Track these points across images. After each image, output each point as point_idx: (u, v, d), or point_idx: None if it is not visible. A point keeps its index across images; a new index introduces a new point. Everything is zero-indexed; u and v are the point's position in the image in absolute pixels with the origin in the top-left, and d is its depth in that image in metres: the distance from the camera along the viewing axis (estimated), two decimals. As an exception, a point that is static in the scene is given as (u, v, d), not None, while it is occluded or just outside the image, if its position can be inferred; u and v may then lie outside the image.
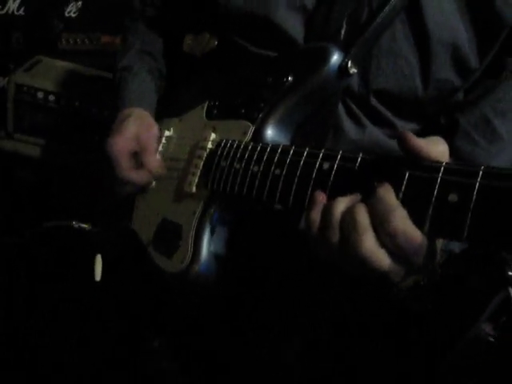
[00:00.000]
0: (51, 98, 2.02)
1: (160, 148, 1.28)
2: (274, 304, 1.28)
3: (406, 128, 1.17)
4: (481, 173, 0.64)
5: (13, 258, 2.16)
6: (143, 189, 1.28)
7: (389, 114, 1.14)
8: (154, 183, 1.27)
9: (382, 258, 0.73)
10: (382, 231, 0.72)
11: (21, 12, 2.21)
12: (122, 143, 1.22)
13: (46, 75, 2.10)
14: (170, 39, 1.44)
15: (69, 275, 1.98)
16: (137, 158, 1.24)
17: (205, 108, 1.21)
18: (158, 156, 1.26)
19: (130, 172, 1.23)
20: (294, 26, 1.10)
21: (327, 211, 0.78)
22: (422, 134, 1.18)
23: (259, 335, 1.31)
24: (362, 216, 0.74)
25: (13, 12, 2.20)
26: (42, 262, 2.08)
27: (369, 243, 0.72)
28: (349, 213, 0.75)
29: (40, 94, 2.02)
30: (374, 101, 1.11)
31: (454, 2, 1.03)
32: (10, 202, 2.17)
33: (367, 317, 1.34)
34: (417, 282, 1.28)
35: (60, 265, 2.04)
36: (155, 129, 1.28)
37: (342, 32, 1.04)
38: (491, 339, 1.48)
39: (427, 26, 1.02)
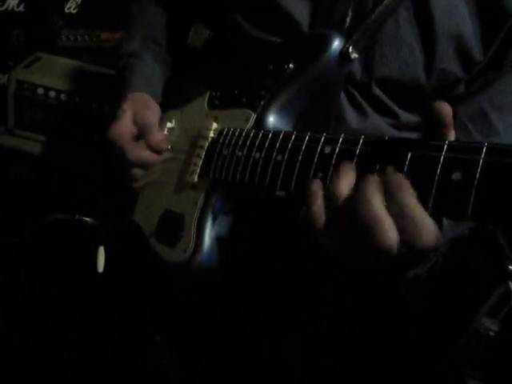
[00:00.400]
0: (51, 94, 2.02)
1: None
2: (274, 299, 1.28)
3: (408, 119, 1.17)
4: (484, 149, 0.64)
5: (13, 257, 2.16)
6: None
7: (391, 104, 1.14)
8: (155, 174, 1.27)
9: (388, 227, 0.69)
10: (391, 200, 0.70)
11: (21, 8, 2.21)
12: (120, 128, 1.22)
13: (46, 72, 2.10)
14: (175, 30, 1.43)
15: (69, 272, 1.98)
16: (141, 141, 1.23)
17: (206, 98, 1.21)
18: (161, 132, 1.25)
19: (140, 152, 1.22)
20: (300, 11, 1.10)
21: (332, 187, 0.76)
22: (421, 124, 1.18)
23: (260, 331, 1.31)
24: (374, 185, 0.72)
25: (13, 8, 2.21)
26: (41, 259, 2.08)
27: (377, 204, 0.70)
28: (359, 182, 0.74)
29: (40, 91, 2.02)
30: (376, 89, 1.11)
31: None
32: (10, 201, 2.17)
33: (368, 310, 1.34)
34: (417, 276, 1.28)
35: (60, 262, 2.04)
36: (153, 107, 1.27)
37: (348, 19, 1.03)
38: (492, 334, 1.48)
39: (432, 14, 1.02)
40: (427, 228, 0.69)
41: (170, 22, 1.44)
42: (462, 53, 1.06)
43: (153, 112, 1.26)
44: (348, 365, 1.39)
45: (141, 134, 1.23)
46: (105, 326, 1.76)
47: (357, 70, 1.09)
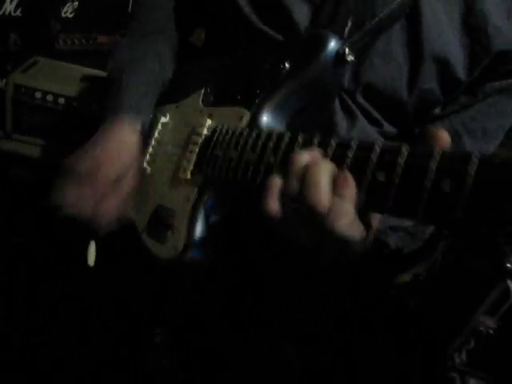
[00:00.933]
0: (49, 98, 2.02)
1: (156, 134, 1.28)
2: (274, 299, 1.29)
3: (390, 129, 1.19)
4: (476, 160, 0.64)
5: (13, 257, 2.17)
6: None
7: (375, 113, 1.16)
8: (148, 169, 1.27)
9: (324, 192, 0.77)
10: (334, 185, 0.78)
11: (18, 13, 2.21)
12: (98, 174, 1.15)
13: (43, 76, 2.09)
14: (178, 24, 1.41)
15: (69, 272, 1.99)
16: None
17: (201, 95, 1.21)
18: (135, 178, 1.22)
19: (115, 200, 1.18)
20: (300, 11, 1.11)
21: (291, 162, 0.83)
22: (398, 138, 1.21)
23: (259, 331, 1.32)
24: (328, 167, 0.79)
25: (10, 13, 2.20)
26: (41, 259, 2.09)
27: (325, 176, 0.78)
28: (311, 165, 0.80)
29: (38, 95, 2.02)
30: (360, 98, 1.13)
31: (451, 19, 1.05)
32: (10, 202, 2.18)
33: (368, 311, 1.35)
34: (416, 276, 1.29)
35: (60, 262, 2.04)
36: (129, 149, 1.21)
37: (346, 30, 1.04)
38: (491, 332, 1.49)
39: (422, 35, 1.05)
40: (349, 218, 0.77)
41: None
42: (446, 75, 1.09)
43: (127, 157, 1.20)
44: (348, 365, 1.40)
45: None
46: (105, 326, 1.77)
47: (345, 76, 1.11)
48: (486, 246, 1.42)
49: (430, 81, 1.10)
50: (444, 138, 0.75)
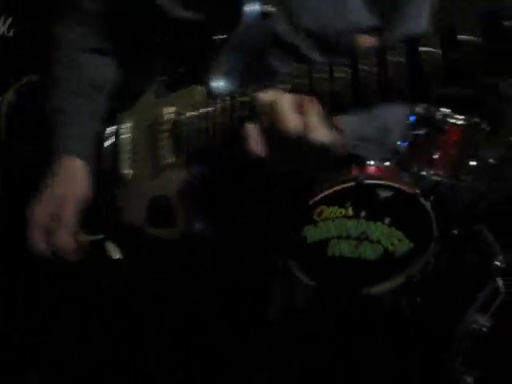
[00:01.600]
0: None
1: (123, 141, 1.29)
2: (274, 299, 1.29)
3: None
4: None
5: (13, 257, 2.16)
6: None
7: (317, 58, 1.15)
8: (130, 173, 1.28)
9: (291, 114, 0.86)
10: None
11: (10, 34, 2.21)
12: (39, 211, 1.25)
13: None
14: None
15: (69, 272, 1.98)
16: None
17: (153, 91, 1.24)
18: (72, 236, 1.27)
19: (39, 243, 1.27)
20: None
21: None
22: None
23: (260, 331, 1.32)
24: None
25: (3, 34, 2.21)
26: (41, 259, 2.08)
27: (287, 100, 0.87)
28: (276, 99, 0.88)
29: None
30: (304, 47, 1.15)
31: None
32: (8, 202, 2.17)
33: (368, 311, 1.35)
34: (410, 277, 1.29)
35: (60, 262, 2.04)
36: (83, 190, 1.27)
37: None
38: (484, 330, 1.49)
39: None
40: (322, 129, 0.85)
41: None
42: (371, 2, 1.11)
43: (74, 202, 1.25)
44: (348, 365, 1.40)
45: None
46: (105, 326, 1.77)
47: (283, 27, 1.12)
48: (473, 247, 1.43)
49: (357, 11, 1.11)
50: None
